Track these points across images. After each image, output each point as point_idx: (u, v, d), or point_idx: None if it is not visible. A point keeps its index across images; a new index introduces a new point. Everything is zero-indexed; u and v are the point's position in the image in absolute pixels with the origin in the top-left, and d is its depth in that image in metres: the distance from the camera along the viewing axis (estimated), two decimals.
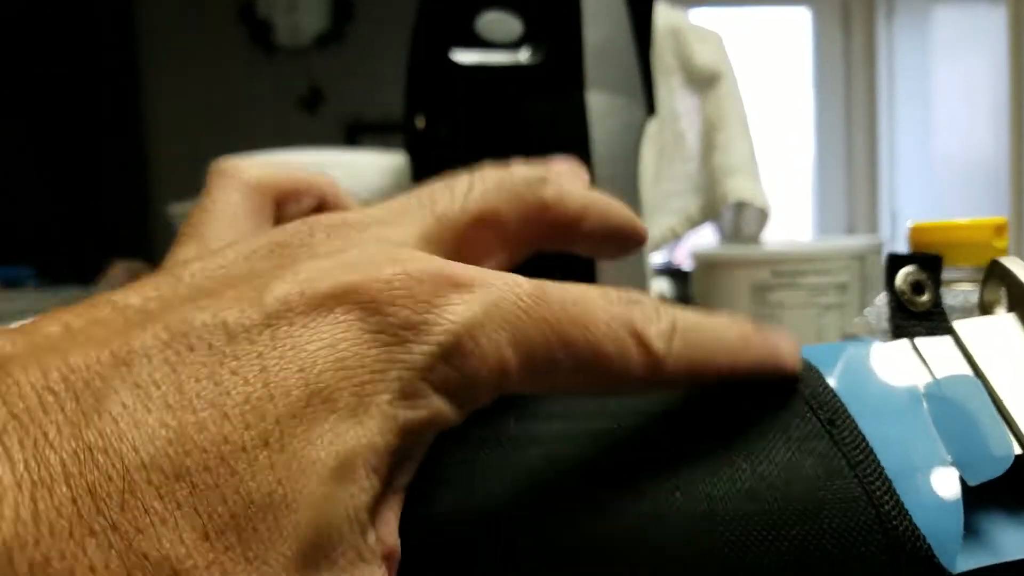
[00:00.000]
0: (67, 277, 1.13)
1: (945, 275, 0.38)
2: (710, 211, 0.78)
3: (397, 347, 0.14)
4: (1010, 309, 0.19)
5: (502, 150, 0.58)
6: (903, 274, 0.21)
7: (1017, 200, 2.16)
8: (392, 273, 0.15)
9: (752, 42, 2.86)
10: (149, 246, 3.08)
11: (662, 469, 0.16)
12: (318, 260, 0.16)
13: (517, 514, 0.16)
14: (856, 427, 0.17)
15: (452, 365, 0.15)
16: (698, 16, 0.79)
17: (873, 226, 3.05)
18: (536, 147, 0.59)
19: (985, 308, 0.20)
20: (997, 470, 0.16)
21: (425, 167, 0.60)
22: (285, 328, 0.14)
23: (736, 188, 0.75)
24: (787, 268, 0.57)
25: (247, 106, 3.08)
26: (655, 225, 0.77)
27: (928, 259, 0.21)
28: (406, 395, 0.14)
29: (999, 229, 0.37)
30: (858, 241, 0.60)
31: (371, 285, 0.15)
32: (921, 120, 2.73)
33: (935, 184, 2.64)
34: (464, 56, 0.58)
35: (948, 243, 0.37)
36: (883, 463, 0.16)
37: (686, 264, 0.91)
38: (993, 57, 2.21)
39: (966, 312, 0.36)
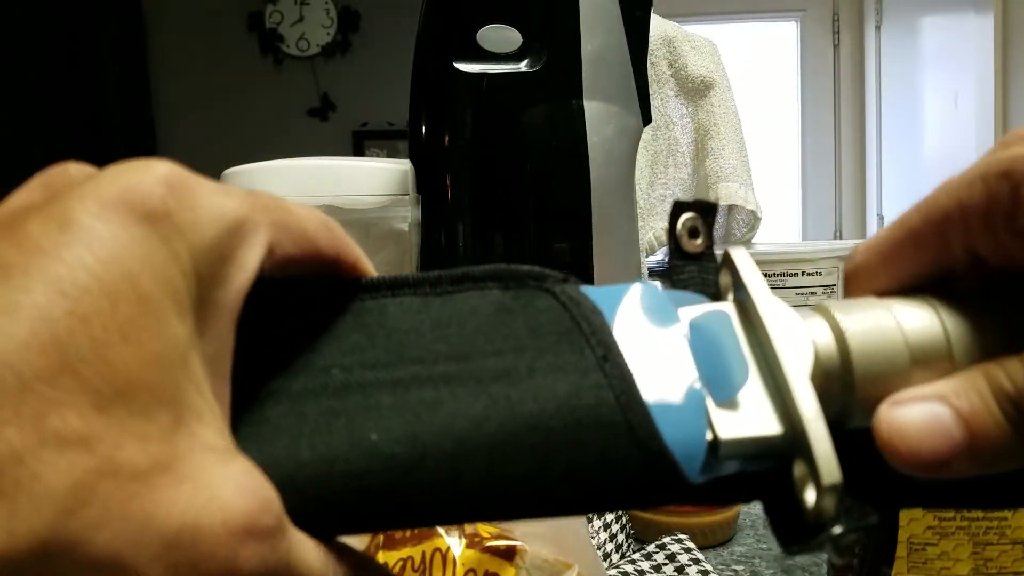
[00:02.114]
0: None
1: None
2: None
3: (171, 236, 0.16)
4: (734, 299, 0.22)
5: (502, 156, 0.60)
6: (682, 220, 0.23)
7: None
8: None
9: (743, 54, 2.90)
10: None
11: (459, 409, 0.18)
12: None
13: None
14: (623, 363, 0.19)
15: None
16: (689, 31, 0.81)
17: (861, 230, 3.08)
18: (535, 153, 0.61)
19: (720, 294, 0.23)
20: (737, 387, 0.19)
21: (428, 172, 0.62)
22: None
23: (728, 192, 0.77)
24: (776, 269, 0.59)
25: (256, 115, 3.11)
26: (649, 228, 0.79)
27: (705, 206, 0.23)
28: (199, 275, 0.17)
29: None
30: (845, 244, 0.62)
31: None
32: (908, 126, 2.76)
33: (922, 189, 2.64)
34: (466, 66, 0.60)
35: None
36: (643, 392, 0.19)
37: None
38: (980, 65, 2.24)
39: None
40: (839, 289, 0.59)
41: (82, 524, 0.14)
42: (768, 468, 0.19)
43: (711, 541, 0.52)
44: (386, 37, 3.02)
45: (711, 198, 0.78)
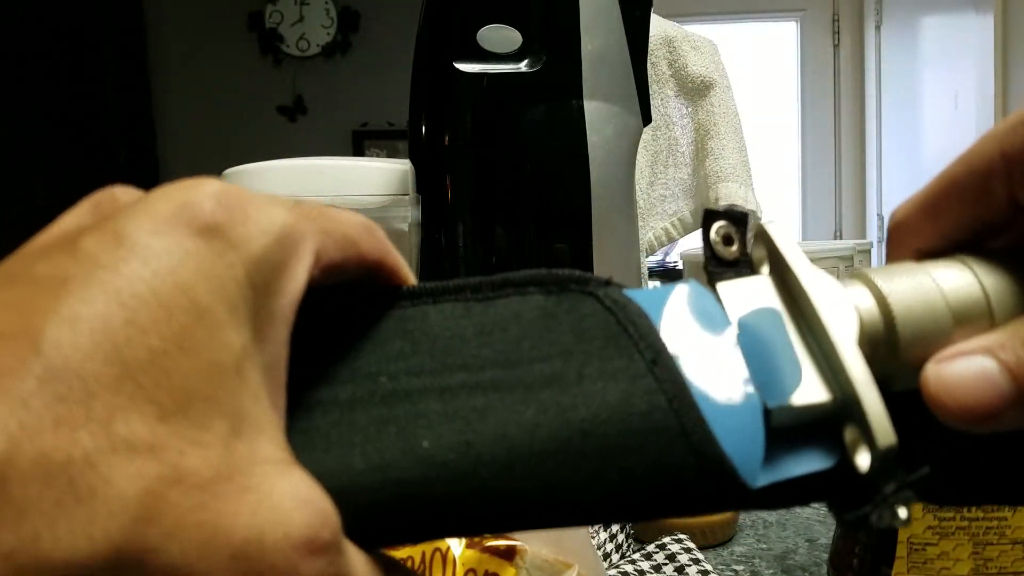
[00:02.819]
0: None
1: None
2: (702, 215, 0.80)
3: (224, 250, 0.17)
4: (771, 272, 0.22)
5: (502, 156, 0.60)
6: (715, 227, 0.23)
7: None
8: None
9: (743, 54, 2.90)
10: None
11: (510, 416, 0.18)
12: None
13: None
14: (674, 367, 0.19)
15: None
16: (690, 31, 0.81)
17: (860, 229, 3.08)
18: (535, 153, 0.61)
19: (754, 267, 0.23)
20: (790, 391, 0.19)
21: (428, 172, 0.62)
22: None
23: (728, 192, 0.76)
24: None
25: (256, 113, 3.12)
26: (649, 229, 0.79)
27: (736, 215, 0.23)
28: (251, 287, 0.17)
29: None
30: (845, 244, 0.62)
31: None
32: (908, 126, 2.76)
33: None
34: (466, 66, 0.60)
35: None
36: (696, 396, 0.18)
37: (680, 266, 0.92)
38: (980, 64, 2.24)
39: None
40: None
41: (157, 532, 0.14)
42: (823, 469, 0.19)
43: (711, 541, 0.52)
44: (386, 37, 3.03)
45: (711, 198, 0.78)
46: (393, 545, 0.18)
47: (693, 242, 0.82)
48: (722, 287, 0.21)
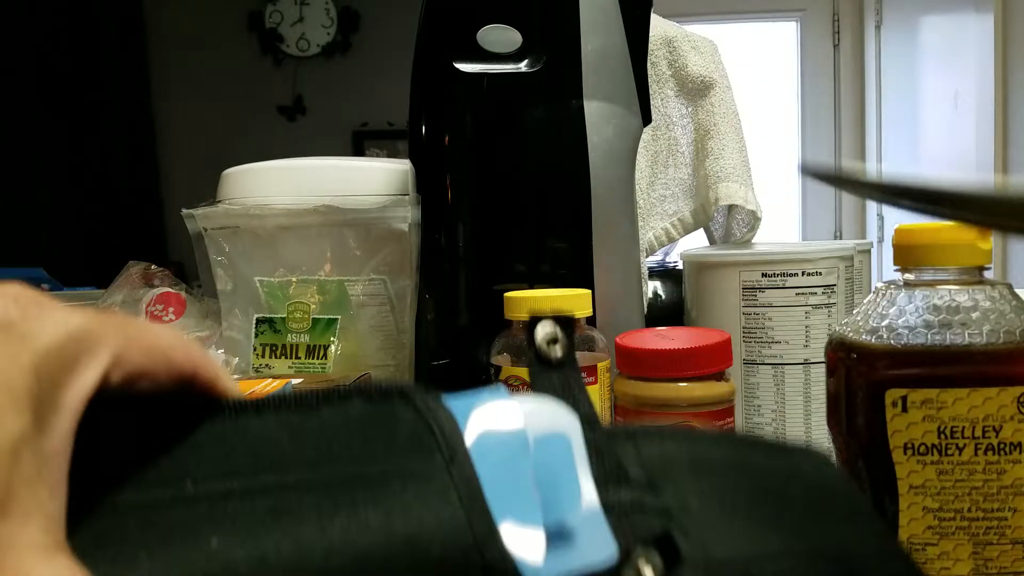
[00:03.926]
0: (82, 279, 1.15)
1: (930, 276, 0.40)
2: (703, 215, 0.80)
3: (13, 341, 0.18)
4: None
5: (502, 156, 0.60)
6: (540, 330, 0.24)
7: None
8: None
9: (743, 54, 2.90)
10: (162, 248, 3.12)
11: (307, 516, 0.19)
12: None
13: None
14: (474, 475, 0.19)
15: None
16: (690, 31, 0.81)
17: (860, 229, 3.09)
18: (535, 154, 0.61)
19: (576, 369, 0.24)
20: (566, 511, 0.20)
21: (428, 172, 0.62)
22: None
23: (728, 192, 0.76)
24: (776, 269, 0.59)
25: (256, 113, 3.12)
26: (650, 228, 0.79)
27: (563, 319, 0.24)
28: (34, 378, 0.17)
29: (983, 231, 0.38)
30: (845, 244, 0.62)
31: None
32: (908, 126, 2.76)
33: None
34: (466, 66, 0.60)
35: (934, 244, 0.38)
36: (490, 502, 0.19)
37: (680, 266, 0.92)
38: (980, 65, 2.24)
39: (951, 312, 0.38)
40: (839, 289, 0.59)
41: None
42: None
43: None
44: (386, 37, 3.03)
45: (711, 198, 0.77)
46: None
47: (693, 242, 0.82)
48: (524, 401, 0.22)
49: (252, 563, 0.18)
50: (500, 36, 0.59)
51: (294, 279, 0.62)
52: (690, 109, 0.80)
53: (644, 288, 0.72)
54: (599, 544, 0.19)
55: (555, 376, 0.23)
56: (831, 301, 0.59)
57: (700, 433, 0.23)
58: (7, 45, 2.71)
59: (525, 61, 0.60)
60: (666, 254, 0.90)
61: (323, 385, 0.23)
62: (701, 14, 2.95)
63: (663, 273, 0.82)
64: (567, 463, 0.21)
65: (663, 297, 0.80)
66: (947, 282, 0.39)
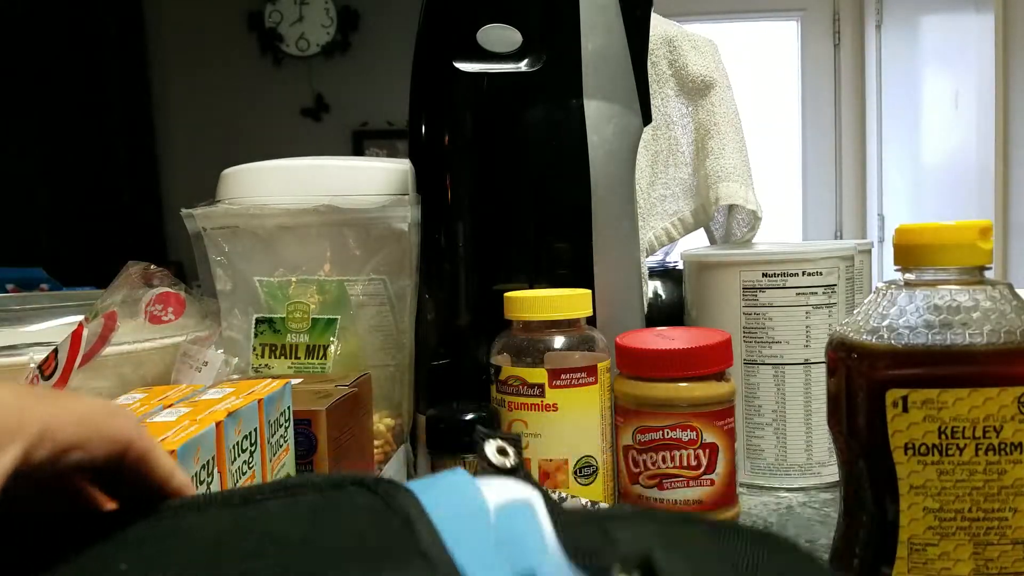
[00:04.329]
0: (81, 279, 1.15)
1: (931, 276, 0.39)
2: (703, 215, 0.80)
3: None
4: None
5: (502, 155, 0.60)
6: (490, 445, 0.26)
7: (1002, 203, 2.19)
8: None
9: (744, 53, 2.90)
10: (162, 248, 3.12)
11: None
12: None
13: None
14: (440, 545, 0.19)
15: None
16: (689, 30, 0.81)
17: (861, 229, 3.08)
18: (535, 153, 0.61)
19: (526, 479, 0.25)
20: (537, 567, 0.19)
21: (428, 172, 0.62)
22: None
23: (728, 192, 0.76)
24: (777, 269, 0.59)
25: (255, 113, 3.12)
26: (650, 228, 0.79)
27: (510, 437, 0.27)
28: None
29: (984, 231, 0.38)
30: (846, 244, 0.62)
31: None
32: (908, 125, 2.76)
33: (922, 189, 2.67)
34: (466, 66, 0.60)
35: (934, 244, 0.38)
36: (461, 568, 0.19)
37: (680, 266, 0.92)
38: (980, 64, 2.24)
39: (951, 312, 0.38)
40: (840, 289, 0.59)
41: None
42: None
43: None
44: (386, 37, 3.03)
45: (711, 198, 0.77)
46: None
47: (693, 242, 0.82)
48: (484, 480, 0.22)
49: None
50: (500, 35, 0.59)
51: (294, 279, 0.62)
52: (690, 109, 0.80)
53: (644, 288, 0.72)
54: None
55: (507, 481, 0.24)
56: (832, 301, 0.59)
57: (665, 515, 0.23)
58: (6, 45, 2.71)
59: (525, 60, 0.60)
60: (666, 254, 0.90)
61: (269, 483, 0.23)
62: (702, 13, 2.94)
63: (663, 273, 0.82)
64: (532, 524, 0.21)
65: (663, 297, 0.80)
66: (948, 282, 0.38)
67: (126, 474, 0.23)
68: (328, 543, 0.19)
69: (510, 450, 0.26)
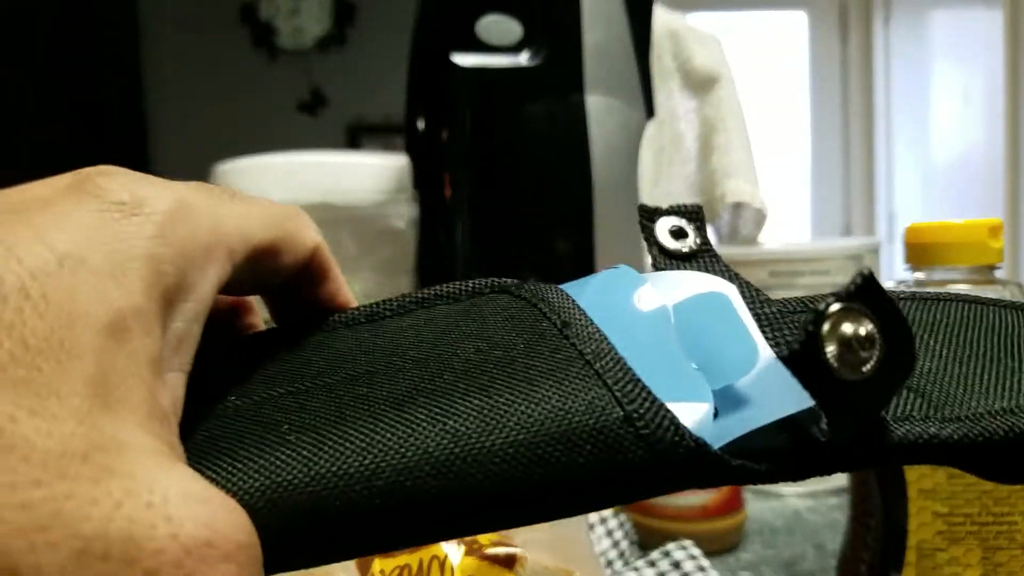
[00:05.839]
0: None
1: (941, 275, 0.38)
2: (708, 212, 0.79)
3: (129, 219, 0.16)
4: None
5: (502, 152, 0.59)
6: (662, 224, 0.21)
7: (1012, 201, 2.17)
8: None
9: (750, 46, 2.88)
10: None
11: (421, 414, 0.16)
12: None
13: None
14: (593, 328, 0.17)
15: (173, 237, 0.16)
16: (695, 21, 0.80)
17: (870, 227, 3.06)
18: (535, 149, 0.60)
19: (716, 259, 0.21)
20: (741, 373, 0.17)
21: (426, 168, 0.61)
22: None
23: (734, 189, 0.75)
24: (784, 268, 0.58)
25: (249, 108, 3.11)
26: None
27: (687, 210, 0.22)
28: (152, 259, 0.15)
29: (994, 230, 0.38)
30: (854, 242, 0.61)
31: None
32: (917, 121, 2.74)
33: (932, 185, 2.65)
34: (464, 59, 0.59)
35: (944, 243, 0.38)
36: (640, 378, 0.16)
37: None
38: (989, 60, 2.22)
39: None
40: None
41: None
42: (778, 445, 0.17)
43: (717, 548, 0.51)
44: (383, 29, 3.01)
45: (717, 195, 0.76)
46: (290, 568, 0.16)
47: None
48: (658, 274, 0.20)
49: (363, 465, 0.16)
50: (499, 27, 0.58)
51: None
52: (695, 103, 0.79)
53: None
54: (780, 393, 0.16)
55: (689, 267, 0.21)
56: None
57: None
58: (2, 37, 2.71)
59: (525, 54, 0.59)
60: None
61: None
62: (708, 3, 2.92)
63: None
64: (725, 320, 0.18)
65: None
66: (958, 281, 0.38)
67: (303, 286, 0.20)
68: (472, 356, 0.17)
69: (689, 229, 0.21)
